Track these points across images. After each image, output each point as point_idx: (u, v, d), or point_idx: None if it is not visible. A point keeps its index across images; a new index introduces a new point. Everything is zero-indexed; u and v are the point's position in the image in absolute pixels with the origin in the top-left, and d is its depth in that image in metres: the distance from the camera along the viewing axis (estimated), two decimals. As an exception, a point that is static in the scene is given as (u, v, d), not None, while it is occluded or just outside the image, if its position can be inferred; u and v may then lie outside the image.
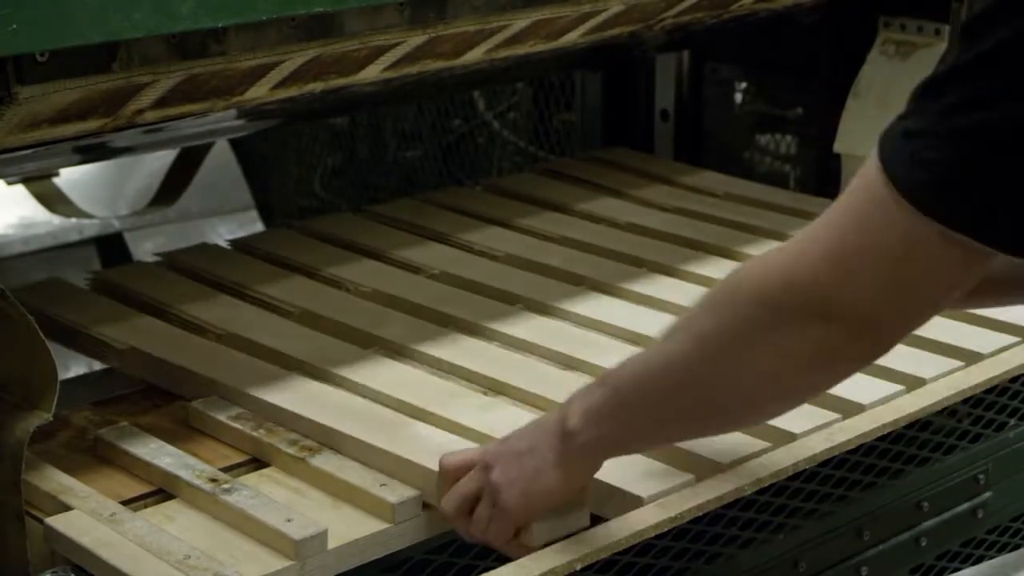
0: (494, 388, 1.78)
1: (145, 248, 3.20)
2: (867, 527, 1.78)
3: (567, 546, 1.43)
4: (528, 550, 1.43)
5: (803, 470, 1.63)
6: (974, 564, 1.95)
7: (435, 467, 1.50)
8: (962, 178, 1.14)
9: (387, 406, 1.72)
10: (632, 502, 1.51)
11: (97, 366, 1.99)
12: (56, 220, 3.16)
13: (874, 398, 1.73)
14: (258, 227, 3.32)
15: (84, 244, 3.17)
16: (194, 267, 2.17)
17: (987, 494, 1.93)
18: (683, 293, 2.00)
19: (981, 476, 1.92)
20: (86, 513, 1.51)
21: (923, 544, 1.86)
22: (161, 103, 1.62)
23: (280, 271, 2.15)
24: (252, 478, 1.60)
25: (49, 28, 1.29)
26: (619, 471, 1.55)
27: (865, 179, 1.20)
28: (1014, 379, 1.89)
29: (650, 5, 2.05)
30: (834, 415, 1.70)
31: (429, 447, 1.58)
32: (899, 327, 1.26)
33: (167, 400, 1.81)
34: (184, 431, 1.71)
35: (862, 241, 1.20)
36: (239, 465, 1.64)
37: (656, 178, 2.53)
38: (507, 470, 1.41)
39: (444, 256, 2.20)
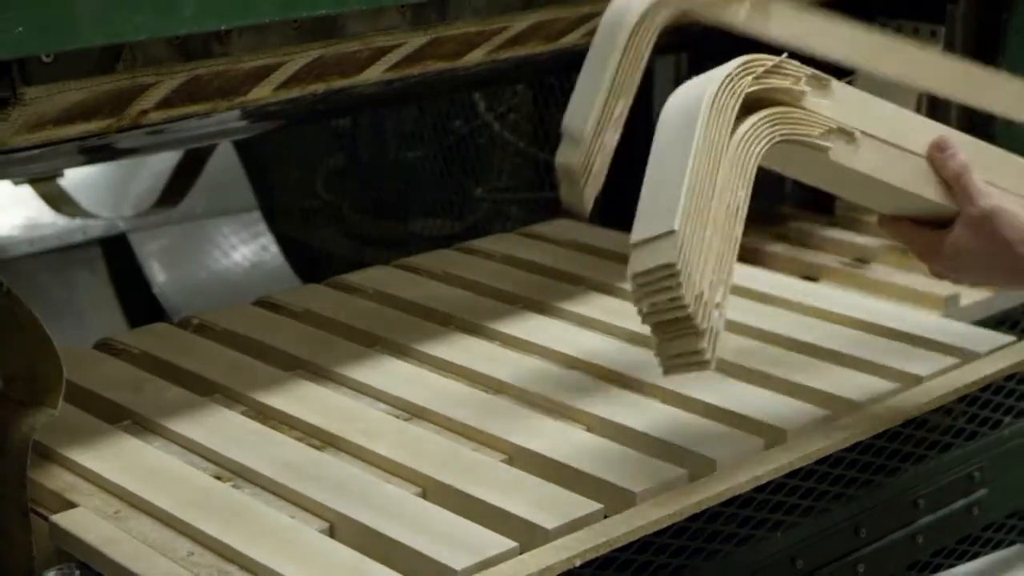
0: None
1: (149, 249, 3.22)
2: (864, 524, 1.79)
3: (565, 543, 1.44)
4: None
5: (800, 468, 1.65)
6: (970, 561, 1.97)
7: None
8: None
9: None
10: (626, 497, 1.52)
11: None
12: (61, 221, 3.18)
13: (870, 396, 1.75)
14: (261, 227, 3.33)
15: (89, 245, 3.19)
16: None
17: (982, 491, 1.94)
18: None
19: (976, 473, 1.93)
20: (91, 510, 1.53)
21: (919, 541, 1.87)
22: (165, 104, 1.63)
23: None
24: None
25: (54, 30, 1.30)
26: (613, 467, 1.57)
27: None
28: (1009, 377, 1.91)
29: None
30: (830, 412, 1.71)
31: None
32: None
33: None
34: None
35: None
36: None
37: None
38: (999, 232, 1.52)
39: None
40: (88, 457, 1.62)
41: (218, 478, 1.59)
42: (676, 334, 1.42)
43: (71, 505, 1.54)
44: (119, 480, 1.56)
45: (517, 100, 3.00)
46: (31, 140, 1.58)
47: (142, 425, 1.72)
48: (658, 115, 2.81)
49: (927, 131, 1.58)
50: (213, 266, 3.28)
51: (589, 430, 1.69)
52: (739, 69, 1.46)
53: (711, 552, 1.62)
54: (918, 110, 2.14)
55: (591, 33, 2.03)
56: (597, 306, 2.05)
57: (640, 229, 1.45)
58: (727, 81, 1.45)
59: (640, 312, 1.44)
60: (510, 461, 1.62)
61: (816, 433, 1.67)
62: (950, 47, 2.26)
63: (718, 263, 1.41)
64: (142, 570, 1.41)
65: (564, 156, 1.65)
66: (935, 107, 2.17)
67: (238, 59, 1.57)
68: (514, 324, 1.98)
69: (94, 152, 2.08)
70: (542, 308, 2.06)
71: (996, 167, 1.61)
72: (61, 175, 3.15)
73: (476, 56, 1.92)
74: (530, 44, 1.98)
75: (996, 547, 2.02)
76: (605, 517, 1.49)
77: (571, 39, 2.04)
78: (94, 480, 1.59)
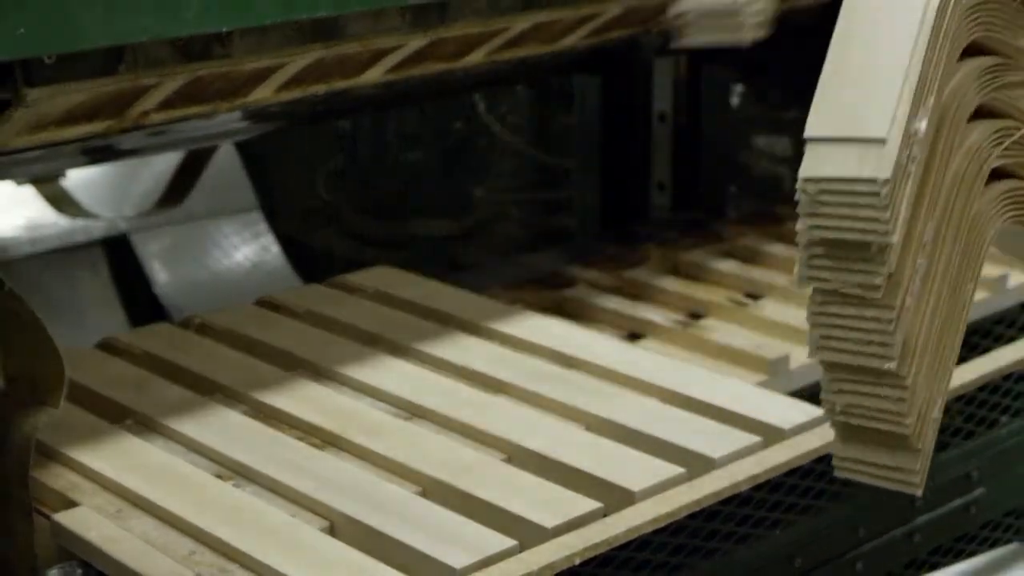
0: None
1: (151, 249, 3.22)
2: (862, 523, 1.80)
3: (565, 541, 1.45)
4: None
5: (798, 467, 1.65)
6: (967, 559, 1.98)
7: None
8: None
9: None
10: (625, 496, 1.53)
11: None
12: (63, 221, 3.18)
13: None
14: (262, 228, 3.34)
15: (91, 245, 3.19)
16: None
17: (979, 490, 1.95)
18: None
19: (974, 473, 1.94)
20: (93, 509, 1.53)
21: (916, 540, 1.88)
22: (166, 105, 1.64)
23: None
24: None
25: (57, 32, 1.31)
26: (612, 466, 1.57)
27: None
28: (1006, 377, 1.91)
29: (648, 8, 2.07)
30: (829, 412, 1.72)
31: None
32: None
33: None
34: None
35: None
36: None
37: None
38: None
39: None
40: (90, 456, 1.63)
41: (219, 477, 1.60)
42: (878, 441, 1.19)
43: (73, 504, 1.55)
44: (121, 479, 1.57)
45: (517, 101, 3.01)
46: (33, 141, 1.59)
47: (144, 424, 1.73)
48: (657, 113, 2.83)
49: None
50: (214, 266, 3.28)
51: (588, 429, 1.69)
52: (989, 141, 1.23)
53: (710, 550, 1.62)
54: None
55: (591, 34, 2.05)
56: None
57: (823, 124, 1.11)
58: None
59: (831, 409, 1.16)
60: (510, 460, 1.63)
61: (814, 432, 1.68)
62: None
63: (941, 373, 1.20)
64: (144, 569, 1.41)
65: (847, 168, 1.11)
66: None
67: (239, 60, 1.57)
68: (514, 324, 1.99)
69: (96, 153, 2.08)
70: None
71: None
72: (63, 176, 3.16)
73: (476, 57, 1.93)
74: (530, 45, 1.99)
75: (993, 545, 2.02)
76: (604, 516, 1.50)
77: (571, 40, 2.05)
78: (96, 479, 1.59)
